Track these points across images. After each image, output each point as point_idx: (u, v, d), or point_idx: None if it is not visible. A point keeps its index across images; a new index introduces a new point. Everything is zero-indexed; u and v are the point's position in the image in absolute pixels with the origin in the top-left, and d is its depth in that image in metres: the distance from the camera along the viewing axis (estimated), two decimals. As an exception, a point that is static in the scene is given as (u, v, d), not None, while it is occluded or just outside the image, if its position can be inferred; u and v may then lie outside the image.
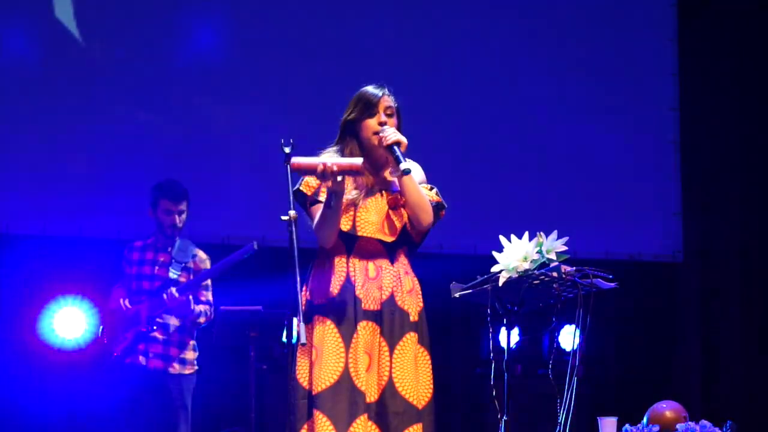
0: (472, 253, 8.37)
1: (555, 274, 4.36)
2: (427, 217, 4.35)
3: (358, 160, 4.24)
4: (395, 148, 4.31)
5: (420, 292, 4.47)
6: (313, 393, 4.28)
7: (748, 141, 9.30)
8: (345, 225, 4.37)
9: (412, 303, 4.41)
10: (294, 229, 4.75)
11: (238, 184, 8.41)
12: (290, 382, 4.34)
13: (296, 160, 4.31)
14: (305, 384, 4.32)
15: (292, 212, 4.83)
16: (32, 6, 8.26)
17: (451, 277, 4.55)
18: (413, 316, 4.40)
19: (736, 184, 9.30)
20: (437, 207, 4.45)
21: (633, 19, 9.37)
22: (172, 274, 6.46)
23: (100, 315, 6.57)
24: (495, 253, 4.41)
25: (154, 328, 6.34)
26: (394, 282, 4.38)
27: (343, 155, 4.42)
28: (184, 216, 6.56)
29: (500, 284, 4.38)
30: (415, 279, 4.47)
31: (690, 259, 9.26)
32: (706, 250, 9.32)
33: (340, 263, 4.39)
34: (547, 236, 4.40)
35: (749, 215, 9.27)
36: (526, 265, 4.36)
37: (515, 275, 4.37)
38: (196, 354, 6.52)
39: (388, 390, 4.29)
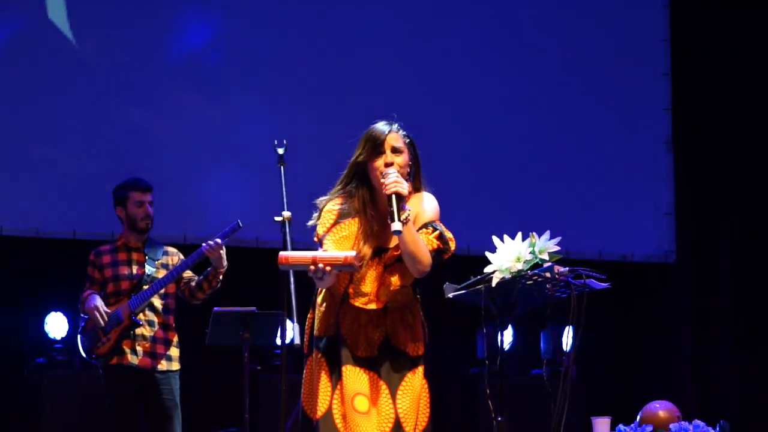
0: (465, 253, 8.38)
1: (548, 274, 4.37)
2: (421, 267, 4.26)
3: (351, 255, 4.15)
4: (393, 201, 4.19)
5: (421, 323, 4.42)
6: (313, 419, 4.32)
7: (740, 141, 9.31)
8: (341, 286, 4.34)
9: (413, 337, 4.38)
10: (288, 230, 4.76)
11: (232, 185, 8.41)
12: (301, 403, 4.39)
13: (285, 254, 4.19)
14: (309, 412, 4.36)
15: (285, 213, 4.84)
16: (25, 7, 8.25)
17: (445, 277, 4.55)
18: (415, 351, 4.38)
19: (729, 184, 9.32)
20: (439, 252, 4.35)
21: (626, 19, 9.38)
22: (149, 270, 6.46)
23: (80, 324, 6.52)
24: (488, 254, 4.41)
25: (140, 321, 6.33)
26: (387, 324, 4.35)
27: (351, 199, 4.35)
28: (152, 209, 6.55)
29: (493, 285, 4.38)
30: (416, 308, 4.42)
31: (682, 260, 9.27)
32: (699, 251, 9.33)
33: (334, 306, 4.36)
34: (539, 236, 4.40)
35: (741, 215, 9.28)
36: (519, 266, 4.36)
37: (508, 276, 4.37)
38: (179, 350, 6.51)
39: (396, 430, 4.29)
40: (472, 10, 9.08)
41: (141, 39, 8.40)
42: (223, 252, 6.35)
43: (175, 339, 6.49)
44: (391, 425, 4.29)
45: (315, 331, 4.38)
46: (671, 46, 9.38)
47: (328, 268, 4.12)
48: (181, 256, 6.59)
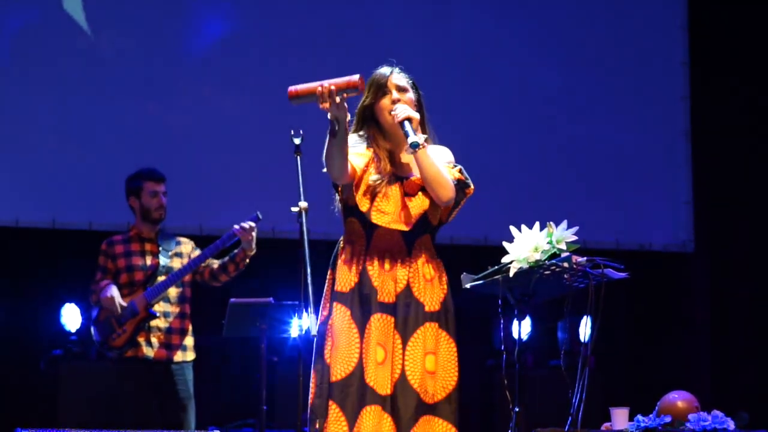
0: (482, 243, 8.36)
1: (566, 264, 4.35)
2: (445, 192, 4.27)
3: (355, 77, 4.18)
4: (405, 123, 4.26)
5: (444, 280, 4.41)
6: (331, 381, 4.29)
7: (759, 130, 9.27)
8: (362, 207, 4.34)
9: (432, 293, 4.36)
10: (304, 220, 4.75)
11: (248, 176, 8.41)
12: (317, 363, 4.34)
13: (294, 87, 4.25)
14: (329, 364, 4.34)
15: (302, 203, 4.83)
16: (41, -2, 8.28)
17: (462, 267, 4.53)
18: (431, 306, 4.35)
19: (747, 173, 9.27)
20: (461, 185, 4.37)
21: (643, 8, 9.34)
22: (163, 261, 6.44)
23: (92, 314, 6.51)
24: (506, 244, 4.40)
25: (156, 313, 6.32)
26: (410, 273, 4.33)
27: (366, 142, 4.40)
28: (166, 199, 6.54)
29: (511, 275, 4.37)
30: (439, 266, 4.41)
31: (701, 249, 9.23)
32: (717, 240, 9.29)
33: (359, 254, 4.35)
34: (557, 226, 4.38)
35: (760, 205, 9.24)
36: (537, 256, 4.35)
37: (526, 266, 4.35)
38: (194, 339, 6.50)
39: (400, 384, 4.27)
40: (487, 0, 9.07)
41: (157, 31, 8.40)
42: (255, 234, 6.36)
43: (191, 328, 6.49)
44: (397, 376, 4.28)
45: (336, 287, 4.36)
46: (689, 34, 9.33)
47: (333, 87, 4.13)
48: (194, 245, 6.58)
